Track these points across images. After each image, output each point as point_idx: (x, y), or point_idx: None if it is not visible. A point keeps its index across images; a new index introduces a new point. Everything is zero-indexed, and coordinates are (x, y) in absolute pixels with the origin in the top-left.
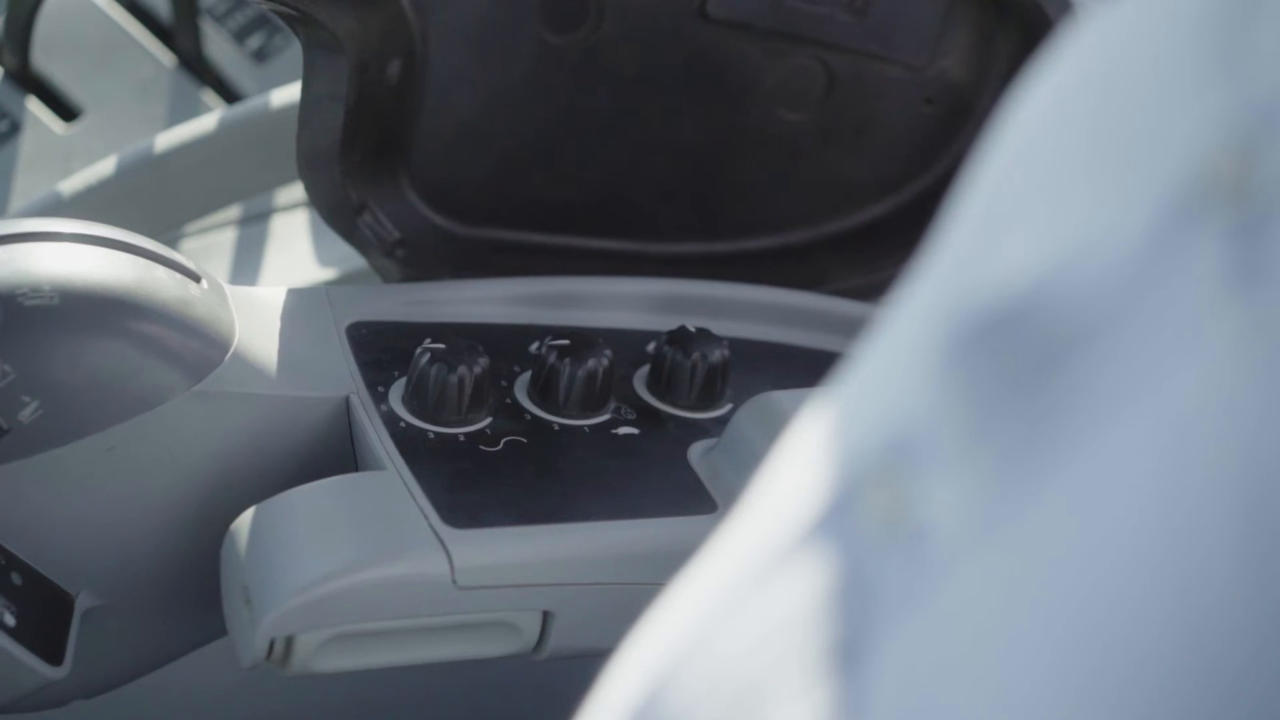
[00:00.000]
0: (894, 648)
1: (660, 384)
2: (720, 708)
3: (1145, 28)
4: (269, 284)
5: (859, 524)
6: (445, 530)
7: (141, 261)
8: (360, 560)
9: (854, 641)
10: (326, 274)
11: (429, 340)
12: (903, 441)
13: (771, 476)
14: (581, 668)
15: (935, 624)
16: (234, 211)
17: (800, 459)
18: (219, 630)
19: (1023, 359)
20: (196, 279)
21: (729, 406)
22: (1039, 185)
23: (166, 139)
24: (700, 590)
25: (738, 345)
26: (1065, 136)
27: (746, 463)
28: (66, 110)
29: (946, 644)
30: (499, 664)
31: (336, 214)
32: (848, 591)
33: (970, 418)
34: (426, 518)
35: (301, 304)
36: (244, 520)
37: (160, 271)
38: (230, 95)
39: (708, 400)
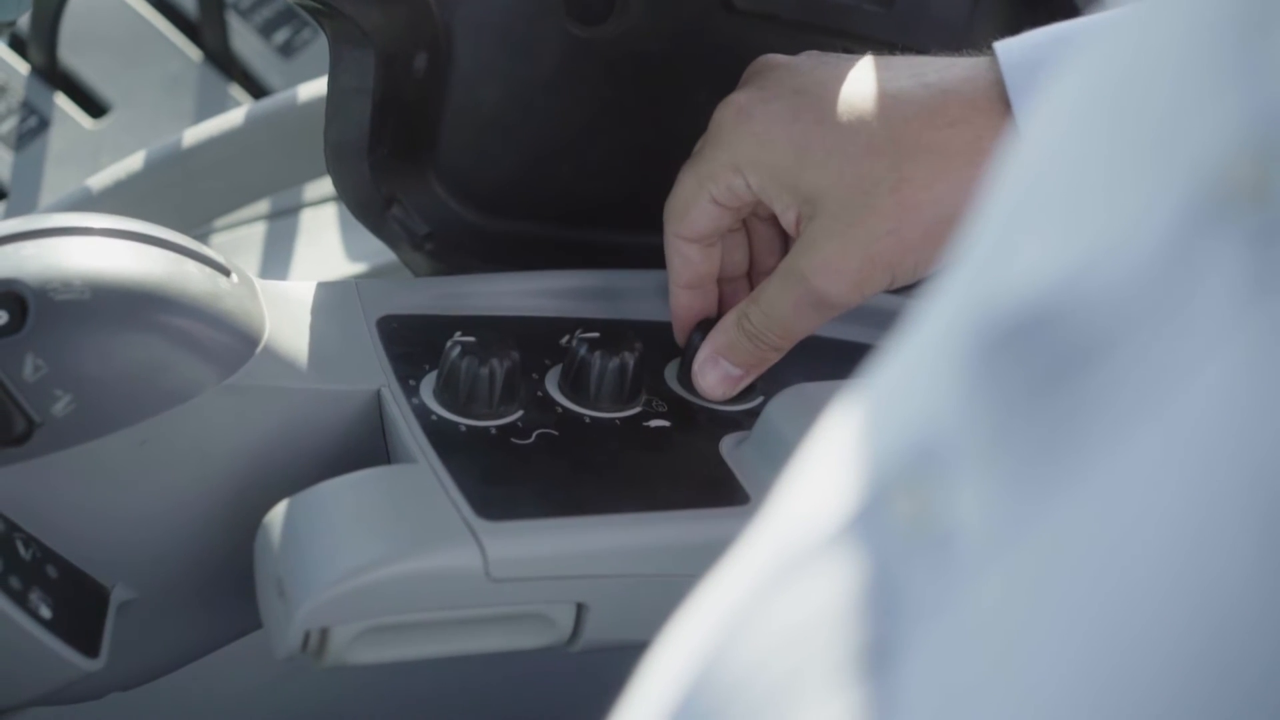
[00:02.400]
0: (923, 650)
1: (691, 376)
2: (749, 707)
3: (1163, 31)
4: (298, 278)
5: (886, 528)
6: (478, 523)
7: (172, 256)
8: (394, 552)
9: (883, 644)
10: (356, 268)
11: (459, 333)
12: (928, 446)
13: (798, 476)
14: (612, 660)
15: (964, 626)
16: (263, 206)
17: (827, 460)
18: (254, 623)
19: (1045, 364)
20: (226, 273)
21: (760, 399)
22: (1059, 190)
23: (195, 134)
24: (730, 589)
25: None
26: (1084, 141)
27: (778, 455)
28: (95, 106)
29: (976, 646)
30: (526, 657)
31: (365, 208)
32: (876, 594)
33: (994, 422)
34: (459, 510)
35: (331, 298)
36: (277, 513)
37: (191, 266)
38: (257, 89)
39: (740, 393)
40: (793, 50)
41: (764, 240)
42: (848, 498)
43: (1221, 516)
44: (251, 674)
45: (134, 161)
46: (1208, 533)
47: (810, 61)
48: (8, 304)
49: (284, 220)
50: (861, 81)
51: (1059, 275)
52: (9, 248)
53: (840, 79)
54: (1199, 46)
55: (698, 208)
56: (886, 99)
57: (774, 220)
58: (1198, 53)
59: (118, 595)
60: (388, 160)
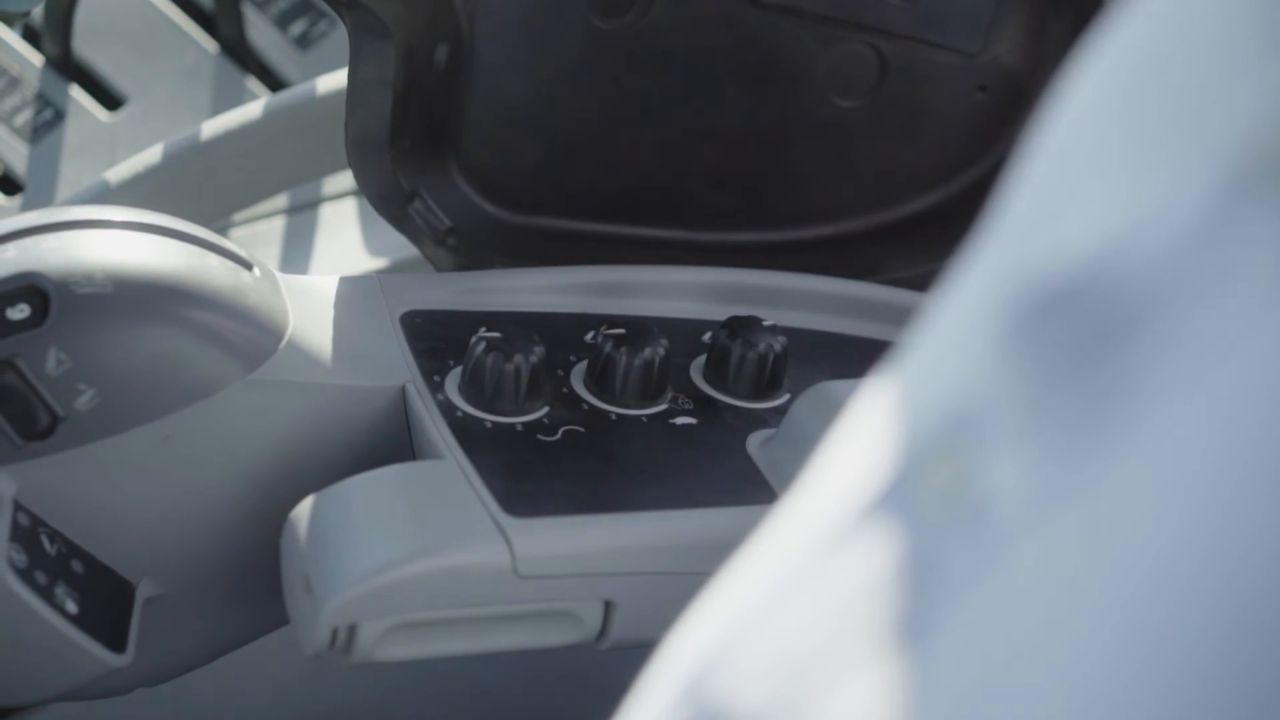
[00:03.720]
0: (958, 623)
1: (718, 374)
2: (778, 683)
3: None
4: (319, 272)
5: (920, 499)
6: (506, 519)
7: (194, 249)
8: (422, 549)
9: (918, 616)
10: (377, 263)
11: (484, 329)
12: (963, 416)
13: (829, 455)
14: (637, 658)
15: (1000, 598)
16: (282, 200)
17: (859, 436)
18: (279, 619)
19: (1084, 333)
20: (249, 267)
21: (786, 397)
22: (1096, 159)
23: (213, 127)
24: (755, 570)
25: (793, 335)
26: (1123, 109)
27: (805, 453)
28: (110, 98)
29: (1012, 618)
30: (551, 654)
31: (387, 202)
32: (910, 567)
33: (1032, 392)
34: (486, 507)
35: (354, 292)
36: (304, 508)
37: (213, 259)
38: (274, 82)
39: (765, 390)
40: (817, 47)
41: None
42: (881, 470)
43: (1261, 488)
44: (276, 670)
45: (152, 154)
46: (1247, 505)
47: None
48: (29, 297)
49: (303, 214)
50: None
51: (1098, 244)
52: (30, 240)
53: None
54: (1242, 11)
55: None
56: None
57: None
58: (1241, 18)
59: (143, 590)
60: (409, 154)
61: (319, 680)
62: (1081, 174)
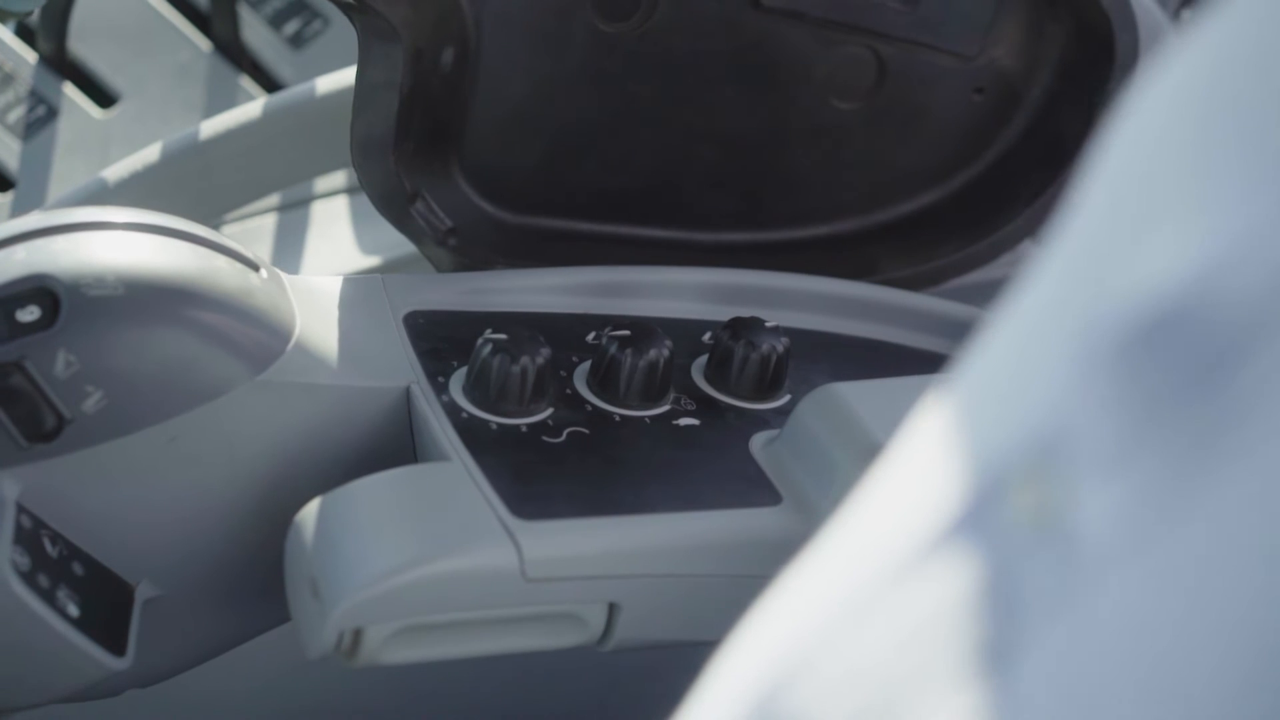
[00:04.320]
0: (1045, 651)
1: (720, 374)
2: (855, 706)
3: None
4: (311, 271)
5: (1003, 524)
6: (514, 522)
7: (203, 251)
8: (430, 552)
9: (1001, 643)
10: (369, 261)
11: (490, 330)
12: (1052, 441)
13: (887, 475)
14: (633, 659)
15: (1091, 628)
16: (273, 198)
17: (923, 458)
18: (275, 620)
19: (1185, 362)
20: (256, 268)
21: (788, 398)
22: (1183, 178)
23: (212, 126)
24: (822, 587)
25: (792, 335)
26: (1212, 123)
27: (810, 455)
28: (104, 96)
29: (1103, 649)
30: (549, 655)
31: (389, 202)
32: (993, 592)
33: (1130, 420)
34: (494, 509)
35: (358, 293)
36: (309, 511)
37: (222, 261)
38: (267, 81)
39: (767, 391)
40: (819, 49)
41: None
42: (956, 493)
43: None
44: (265, 670)
45: (150, 153)
46: None
47: None
48: (40, 299)
49: (295, 212)
50: None
51: (1195, 271)
52: (39, 242)
53: None
54: None
55: None
56: None
57: None
58: None
59: (142, 592)
60: (412, 155)
61: (309, 678)
62: (1165, 198)
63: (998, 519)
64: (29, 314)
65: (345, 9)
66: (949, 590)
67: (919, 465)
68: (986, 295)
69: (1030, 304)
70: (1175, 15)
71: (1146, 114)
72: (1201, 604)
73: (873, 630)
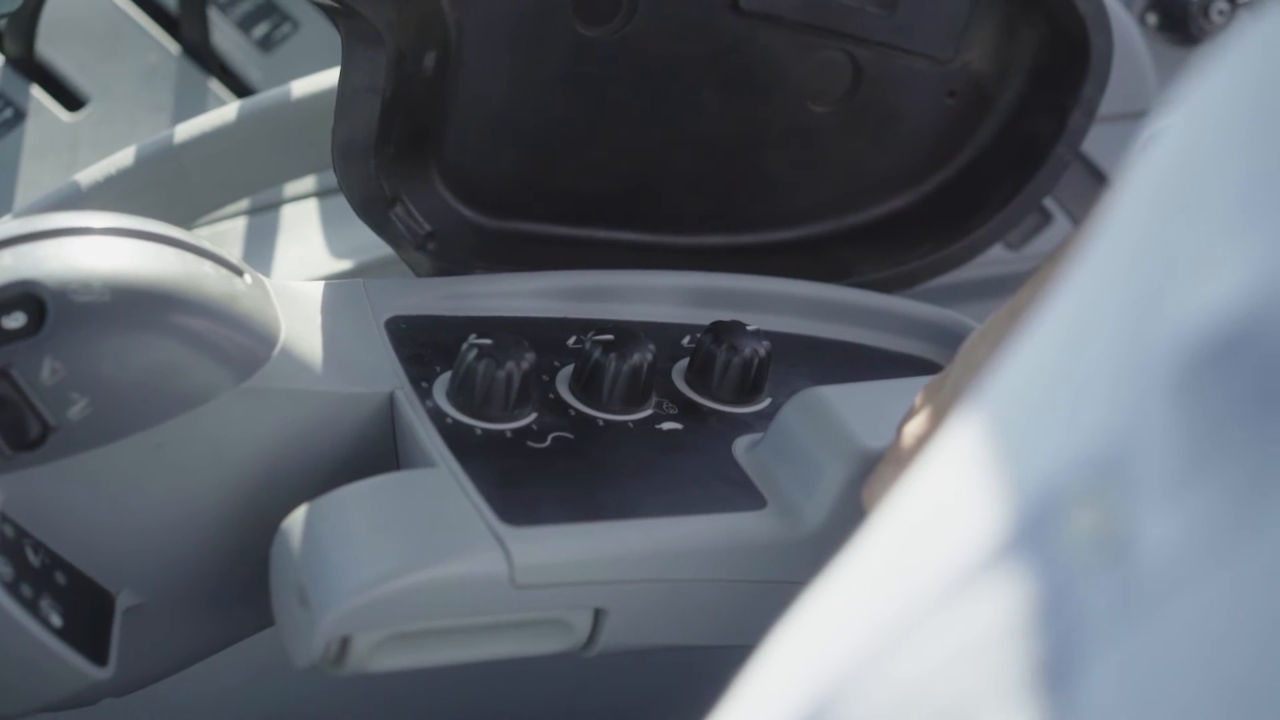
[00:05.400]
0: (1106, 668)
1: (701, 378)
2: None
3: None
4: (284, 275)
5: (1060, 545)
6: (502, 528)
7: (189, 256)
8: (420, 559)
9: (1061, 661)
10: (341, 264)
11: (474, 335)
12: (1112, 465)
13: (919, 490)
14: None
15: (1149, 651)
16: (243, 202)
17: (959, 475)
18: (255, 626)
19: (1252, 387)
20: (240, 273)
21: (769, 401)
22: (1241, 198)
23: (186, 130)
24: (862, 603)
25: (773, 339)
26: (1267, 145)
27: (793, 458)
28: (72, 99)
29: (1161, 672)
30: (535, 660)
31: (369, 207)
32: (1050, 613)
33: (1194, 446)
34: (482, 515)
35: (340, 298)
36: (296, 519)
37: (207, 266)
38: (236, 83)
39: (749, 395)
40: (797, 53)
41: None
42: (1006, 514)
43: None
44: (244, 675)
45: (124, 157)
46: None
47: (996, 317)
48: (26, 305)
49: (266, 216)
50: None
51: (1263, 293)
52: (25, 248)
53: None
54: None
55: None
56: None
57: None
58: None
59: (123, 601)
60: (393, 159)
61: (289, 683)
62: (1222, 219)
63: (1055, 540)
64: (14, 320)
65: (329, 13)
66: (1003, 610)
67: (957, 482)
68: (962, 297)
69: (1069, 323)
70: (1140, 20)
71: (1189, 132)
72: (1263, 630)
73: (922, 650)
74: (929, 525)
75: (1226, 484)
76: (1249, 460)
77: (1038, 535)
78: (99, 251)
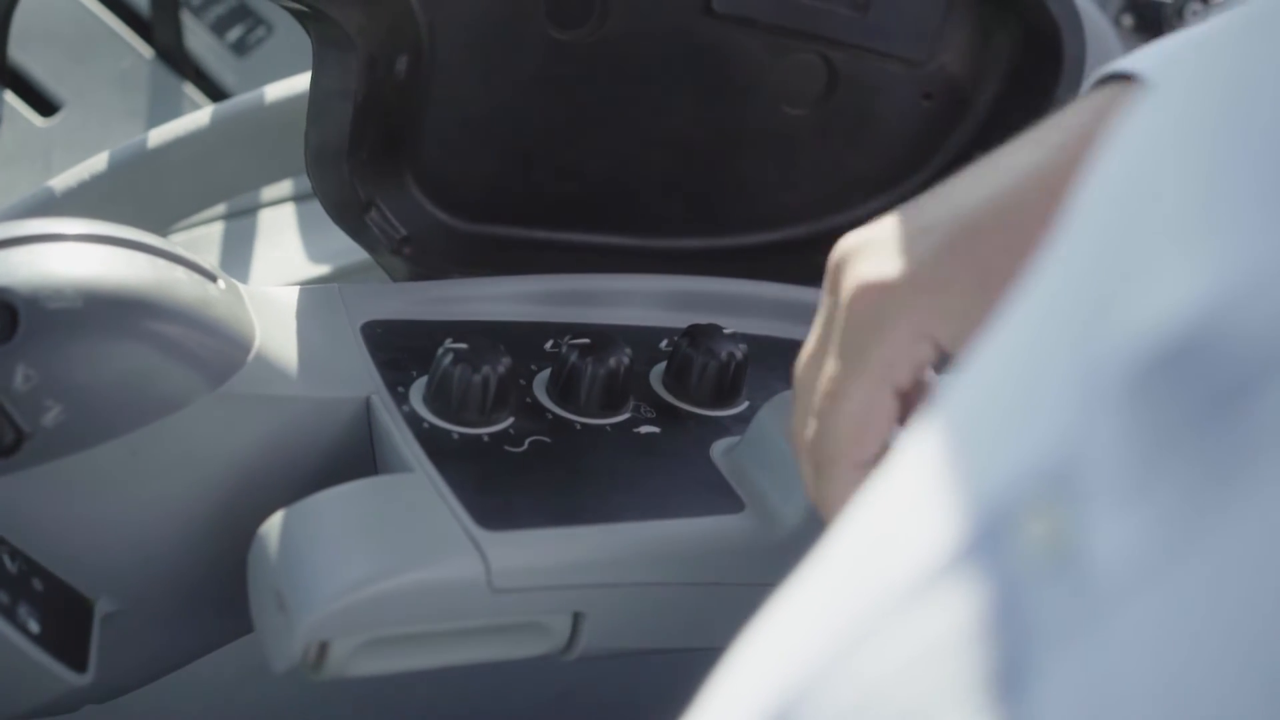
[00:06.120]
0: (1058, 677)
1: (679, 382)
2: None
3: None
4: (261, 280)
5: (1014, 553)
6: (480, 533)
7: (161, 262)
8: (398, 564)
9: (1014, 669)
10: (319, 269)
11: (450, 340)
12: (1063, 473)
13: (881, 495)
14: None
15: (1104, 656)
16: (220, 207)
17: (918, 482)
18: (235, 633)
19: (1201, 395)
20: (214, 279)
21: (746, 404)
22: (1192, 209)
23: (160, 135)
24: (823, 608)
25: (750, 342)
26: (1219, 156)
27: (771, 461)
28: (45, 104)
29: (1116, 676)
30: (517, 663)
31: (344, 212)
32: (1005, 619)
33: (1144, 453)
34: (459, 520)
35: (315, 303)
36: (273, 524)
37: (180, 273)
38: (210, 87)
39: (726, 398)
40: (770, 55)
41: None
42: (962, 521)
43: None
44: (226, 682)
45: (98, 162)
46: None
47: (896, 216)
48: None
49: (242, 221)
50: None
51: (1212, 302)
52: None
53: (947, 190)
54: None
55: (879, 415)
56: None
57: None
58: None
59: (102, 607)
60: (367, 164)
61: (270, 689)
62: (1173, 229)
63: (1009, 547)
64: None
65: (300, 17)
66: (958, 617)
67: (916, 489)
68: None
69: (1025, 330)
70: (1115, 21)
71: (1144, 141)
72: (1213, 634)
73: (881, 653)
74: (889, 532)
75: (1176, 490)
76: (1197, 466)
77: (991, 545)
78: (71, 258)
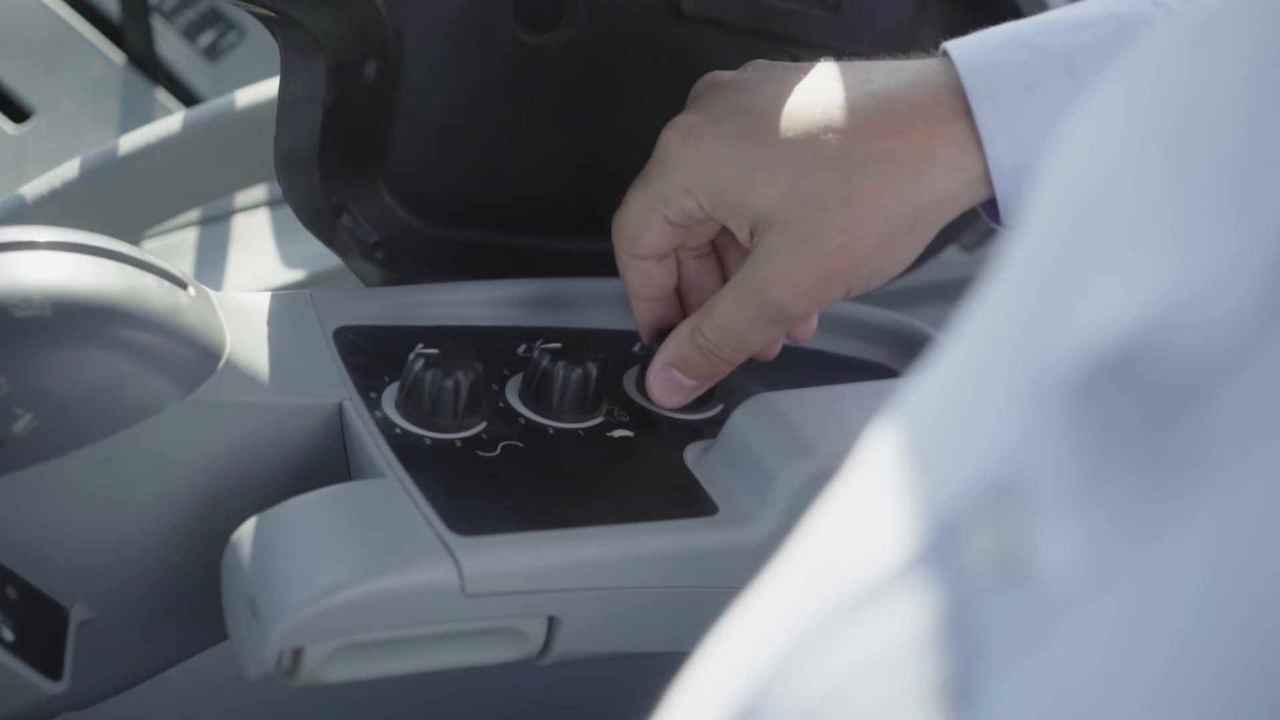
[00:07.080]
0: (1007, 687)
1: (645, 385)
2: None
3: (1229, 63)
4: (235, 286)
5: (961, 564)
6: (452, 538)
7: (131, 270)
8: (371, 570)
9: (965, 680)
10: (292, 275)
11: (422, 345)
12: (1008, 483)
13: (839, 503)
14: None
15: (1053, 664)
16: (194, 213)
17: (872, 492)
18: (211, 639)
19: (1143, 404)
20: (184, 286)
21: (719, 407)
22: (1132, 221)
23: (131, 141)
24: (780, 614)
25: None
26: (1149, 175)
27: (744, 464)
28: (16, 111)
29: (1066, 685)
30: (494, 667)
31: (315, 217)
32: (954, 631)
33: (1089, 463)
34: (432, 525)
35: (286, 309)
36: (246, 530)
37: (150, 280)
38: (182, 93)
39: (699, 401)
40: (741, 57)
41: (729, 249)
42: (911, 532)
43: None
44: (202, 687)
45: (69, 169)
46: None
47: (755, 76)
48: None
49: (216, 227)
50: (807, 93)
51: (1149, 315)
52: None
53: (786, 93)
54: (1275, 82)
55: (650, 229)
56: (833, 110)
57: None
58: (1275, 88)
59: (76, 614)
60: (337, 169)
61: (246, 696)
62: (1114, 240)
63: (956, 559)
64: None
65: (266, 22)
66: (907, 627)
67: (872, 497)
68: (916, 301)
69: (980, 337)
70: None
71: (1093, 148)
72: (1161, 640)
73: (830, 668)
74: (845, 539)
75: (1120, 499)
76: (1141, 474)
77: (941, 556)
78: (40, 266)
